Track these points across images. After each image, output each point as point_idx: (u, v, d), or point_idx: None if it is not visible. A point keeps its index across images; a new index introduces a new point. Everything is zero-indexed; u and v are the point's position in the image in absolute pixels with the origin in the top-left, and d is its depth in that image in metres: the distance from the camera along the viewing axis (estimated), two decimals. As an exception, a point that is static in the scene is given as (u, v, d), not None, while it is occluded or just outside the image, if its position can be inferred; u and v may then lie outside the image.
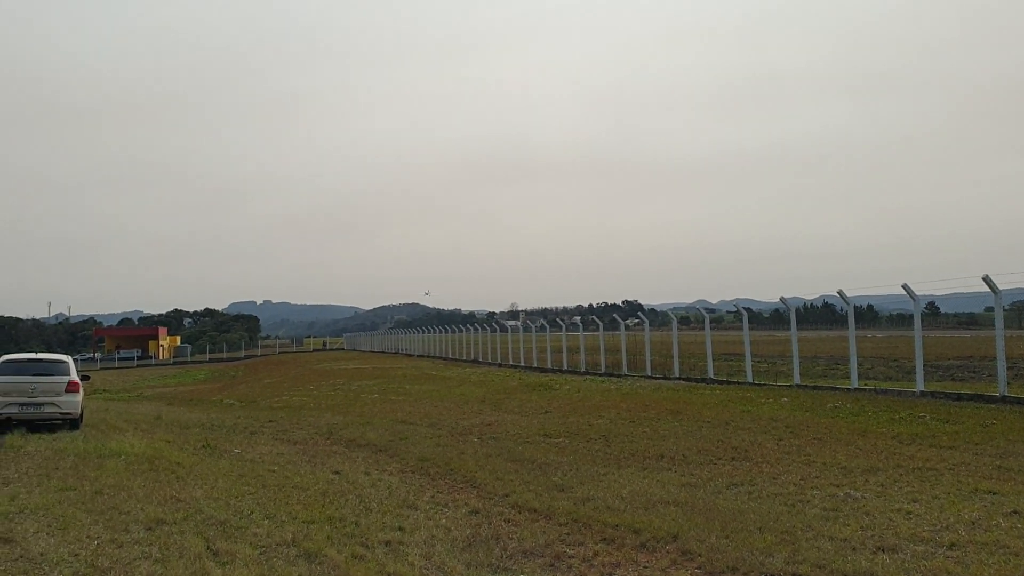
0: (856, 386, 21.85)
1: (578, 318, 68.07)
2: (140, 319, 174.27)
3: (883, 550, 7.26)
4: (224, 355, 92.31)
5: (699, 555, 7.26)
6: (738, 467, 12.01)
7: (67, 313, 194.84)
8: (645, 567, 7.10)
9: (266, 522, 8.38)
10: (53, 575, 6.16)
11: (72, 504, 8.88)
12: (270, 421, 21.43)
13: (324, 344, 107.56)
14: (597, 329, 37.87)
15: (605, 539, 7.96)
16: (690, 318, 62.95)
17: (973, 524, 8.12)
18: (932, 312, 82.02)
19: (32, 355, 18.75)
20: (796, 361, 24.82)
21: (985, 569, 6.66)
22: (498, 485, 11.00)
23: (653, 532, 8.04)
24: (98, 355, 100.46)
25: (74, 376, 17.64)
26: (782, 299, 26.30)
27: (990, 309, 21.11)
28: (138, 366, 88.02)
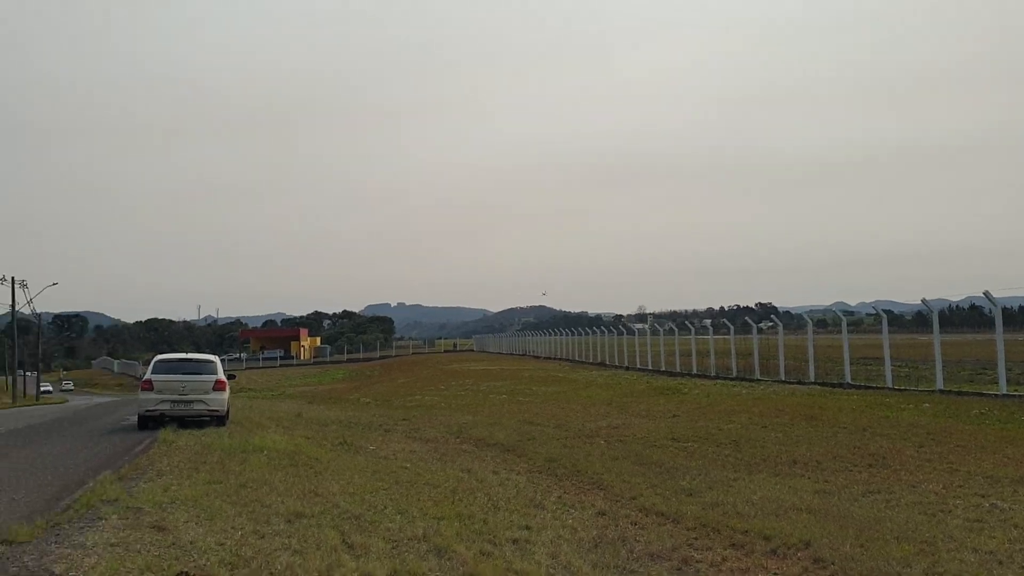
0: (1005, 392, 20.58)
1: (708, 321, 66.87)
2: (283, 321, 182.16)
3: (1034, 565, 6.84)
4: (361, 355, 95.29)
5: (832, 563, 7.04)
6: (875, 474, 11.55)
7: (215, 315, 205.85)
8: (775, 574, 6.94)
9: (398, 517, 8.63)
10: (202, 562, 6.53)
11: (218, 496, 9.39)
12: (403, 419, 22.04)
13: (454, 346, 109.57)
14: (728, 332, 37.08)
15: (734, 544, 7.82)
16: (827, 321, 60.86)
17: None
18: (1097, 314, 76.29)
19: (183, 355, 19.92)
20: (939, 365, 23.59)
21: None
22: (625, 488, 10.97)
23: (784, 539, 7.84)
24: (244, 355, 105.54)
25: (221, 375, 18.62)
26: (924, 301, 25.08)
27: None
28: (280, 366, 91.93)
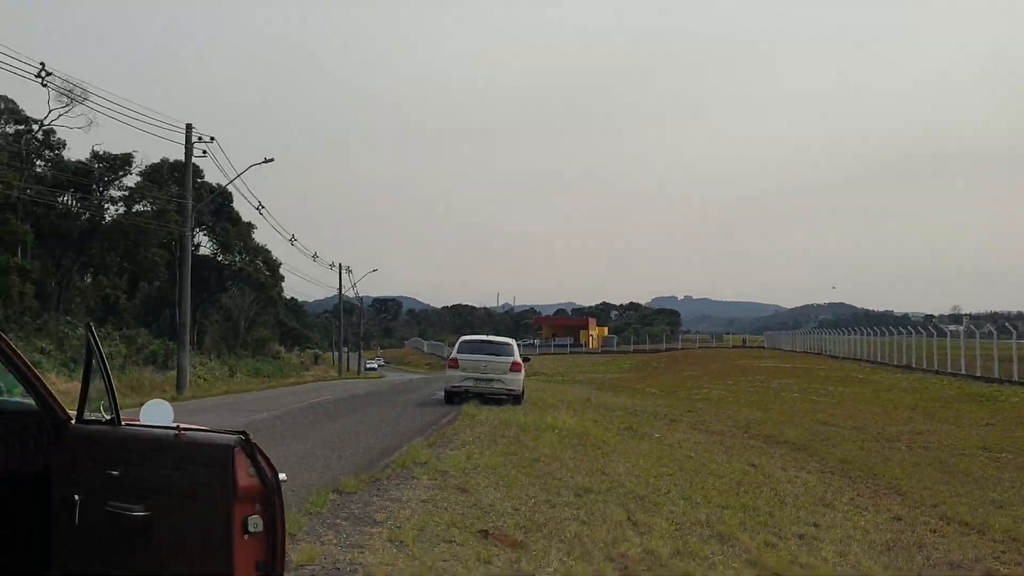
0: None
1: (1037, 323, 59.65)
2: (572, 310, 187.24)
3: None
4: (647, 347, 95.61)
5: None
6: None
7: (512, 303, 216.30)
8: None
9: (682, 502, 8.79)
10: (500, 523, 7.12)
11: (514, 467, 10.07)
12: (689, 411, 22.04)
13: (743, 341, 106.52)
14: (1060, 336, 32.95)
15: (1051, 564, 7.15)
16: None
17: None
18: None
19: (485, 337, 21.38)
20: None
21: None
22: (926, 495, 10.30)
23: (1115, 565, 7.03)
24: (536, 341, 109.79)
25: (517, 357, 19.74)
26: None
27: None
28: (570, 353, 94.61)
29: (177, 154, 47.92)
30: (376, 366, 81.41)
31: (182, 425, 3.42)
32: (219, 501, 3.01)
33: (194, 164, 30.63)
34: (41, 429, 3.78)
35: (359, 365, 74.60)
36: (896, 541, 7.84)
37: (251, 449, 3.07)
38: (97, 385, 3.74)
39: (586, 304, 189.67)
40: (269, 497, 3.06)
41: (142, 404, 3.72)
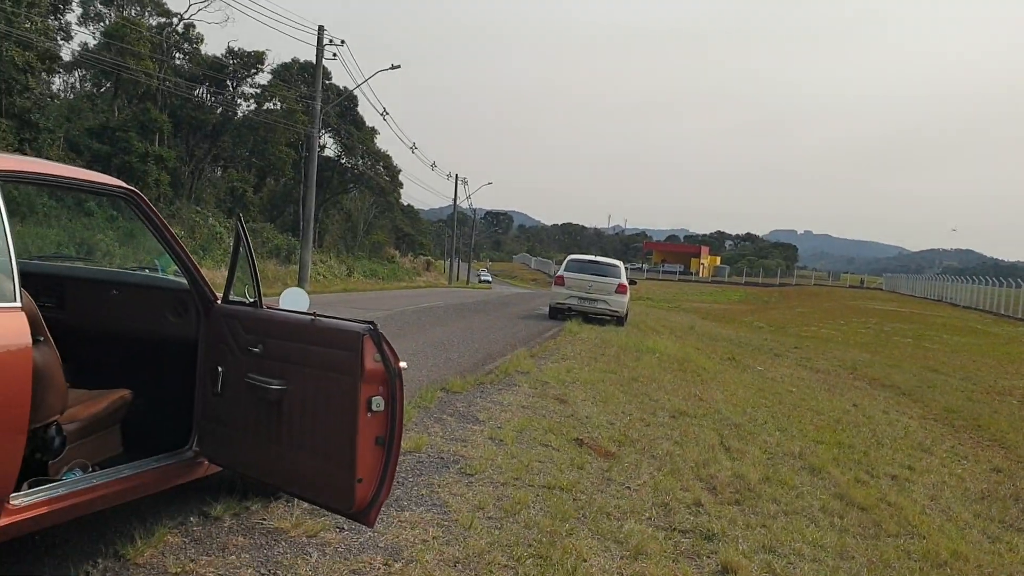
0: None
1: None
2: (685, 237, 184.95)
3: None
4: (759, 280, 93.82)
5: None
6: None
7: (623, 225, 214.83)
8: None
9: (777, 433, 8.90)
10: (595, 435, 7.43)
11: (612, 384, 10.36)
12: (795, 348, 21.81)
13: (861, 282, 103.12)
14: None
15: None
16: None
17: None
18: None
19: (592, 257, 21.56)
20: None
21: None
22: (1031, 450, 10.10)
23: None
24: (645, 266, 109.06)
25: (624, 280, 19.89)
26: None
27: None
28: (679, 280, 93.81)
29: (306, 54, 49.07)
30: (490, 278, 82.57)
31: (317, 312, 3.79)
32: (348, 380, 3.36)
33: (323, 66, 31.29)
34: (192, 306, 4.22)
35: (468, 275, 76.00)
36: (992, 492, 7.80)
37: (378, 337, 3.41)
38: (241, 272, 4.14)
39: (700, 232, 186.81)
40: (391, 381, 3.40)
41: (265, 295, 4.11)
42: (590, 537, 4.64)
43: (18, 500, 3.05)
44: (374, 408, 3.34)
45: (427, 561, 3.95)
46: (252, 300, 3.98)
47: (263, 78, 48.09)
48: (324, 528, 4.21)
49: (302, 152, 43.16)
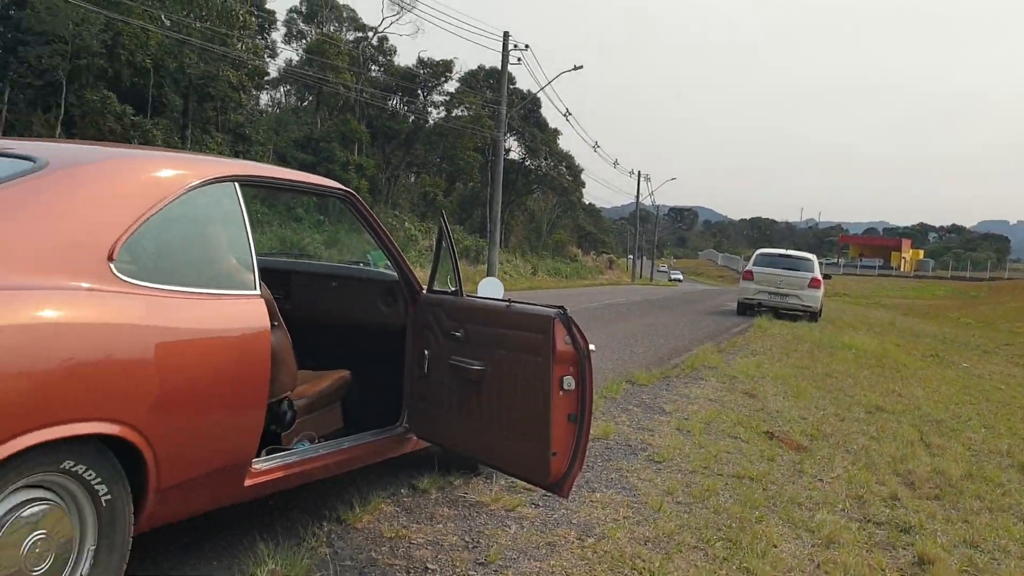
0: None
1: None
2: (884, 230, 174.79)
3: None
4: (967, 274, 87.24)
5: None
6: None
7: (816, 219, 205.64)
8: None
9: (983, 430, 8.44)
10: (785, 428, 7.34)
11: (804, 379, 10.14)
12: (1007, 344, 20.34)
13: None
14: None
15: None
16: None
17: None
18: None
19: (783, 251, 20.99)
20: None
21: None
22: None
23: None
24: (840, 260, 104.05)
25: (817, 274, 19.24)
26: None
27: None
28: (878, 275, 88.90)
29: (491, 61, 50.43)
30: (680, 276, 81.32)
31: (511, 299, 4.07)
32: (541, 361, 3.60)
33: (508, 72, 32.14)
34: (400, 296, 4.62)
35: (652, 272, 75.41)
36: None
37: (567, 321, 3.63)
38: (444, 265, 4.48)
39: (900, 224, 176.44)
40: (581, 362, 3.61)
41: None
42: (780, 525, 4.66)
43: (259, 465, 3.49)
44: (565, 387, 3.56)
45: (618, 538, 4.13)
46: (453, 289, 4.30)
47: (451, 86, 50.00)
48: (521, 504, 4.48)
49: (488, 156, 44.46)
